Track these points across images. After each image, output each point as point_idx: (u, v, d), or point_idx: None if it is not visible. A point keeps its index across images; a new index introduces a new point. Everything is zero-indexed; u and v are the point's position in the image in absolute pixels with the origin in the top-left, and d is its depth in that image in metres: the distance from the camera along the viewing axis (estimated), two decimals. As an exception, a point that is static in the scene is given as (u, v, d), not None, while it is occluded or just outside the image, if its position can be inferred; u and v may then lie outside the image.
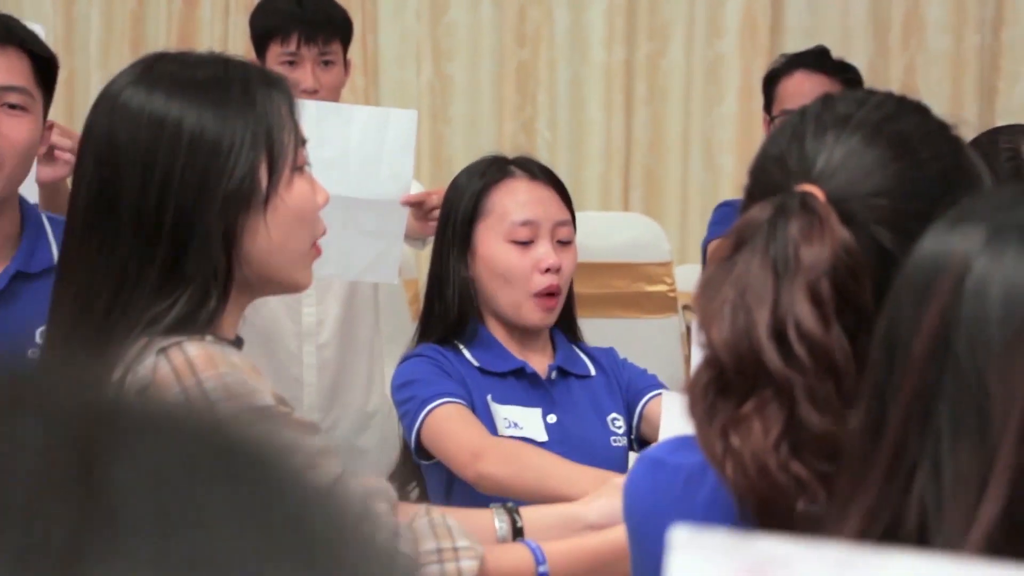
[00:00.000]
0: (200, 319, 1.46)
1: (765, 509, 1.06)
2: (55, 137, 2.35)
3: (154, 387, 1.39)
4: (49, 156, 2.36)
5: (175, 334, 1.44)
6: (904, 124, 1.20)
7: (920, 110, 1.23)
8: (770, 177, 1.19)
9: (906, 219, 1.13)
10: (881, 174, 1.15)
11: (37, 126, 2.21)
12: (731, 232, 1.12)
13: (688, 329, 3.73)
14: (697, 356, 1.75)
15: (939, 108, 4.06)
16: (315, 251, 1.58)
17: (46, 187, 2.44)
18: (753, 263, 1.08)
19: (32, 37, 2.23)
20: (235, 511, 0.37)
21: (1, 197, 2.18)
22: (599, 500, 1.80)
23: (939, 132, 1.21)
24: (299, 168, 1.54)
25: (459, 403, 2.24)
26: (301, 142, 1.55)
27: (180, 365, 1.42)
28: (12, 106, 2.18)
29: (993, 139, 1.94)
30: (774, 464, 1.05)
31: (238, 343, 1.55)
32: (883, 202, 1.14)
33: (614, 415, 2.37)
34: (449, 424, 2.21)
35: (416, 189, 2.78)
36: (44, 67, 2.23)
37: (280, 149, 1.51)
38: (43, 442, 0.36)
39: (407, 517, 1.56)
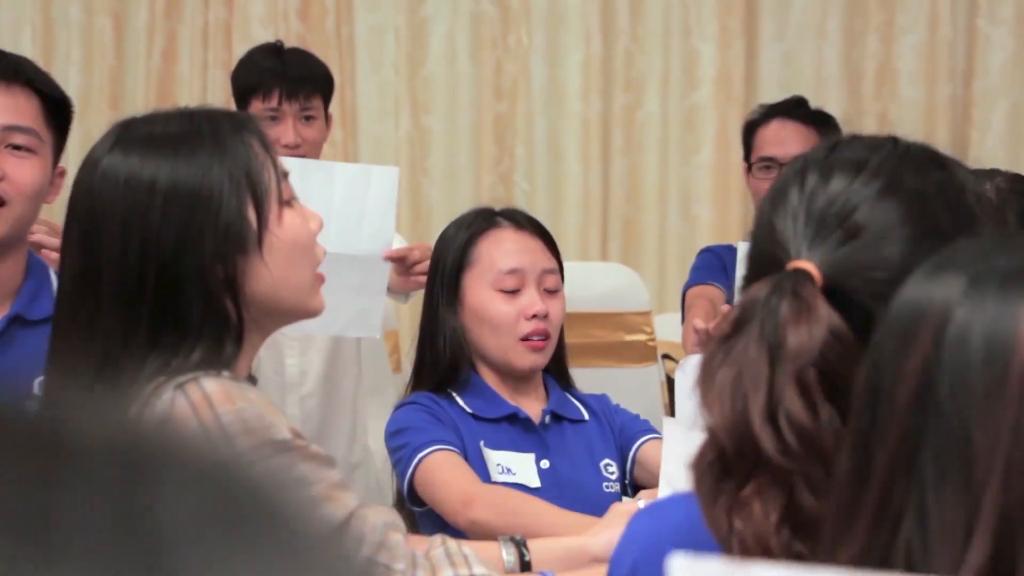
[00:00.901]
0: (220, 363, 1.48)
1: None
2: (42, 236, 2.25)
3: (172, 422, 1.40)
4: (37, 249, 2.26)
5: (192, 371, 1.46)
6: (913, 180, 1.18)
7: (925, 162, 1.21)
8: (770, 241, 1.18)
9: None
10: (883, 243, 1.14)
11: (45, 168, 2.14)
12: (732, 311, 1.13)
13: (668, 378, 3.75)
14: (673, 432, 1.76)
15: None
16: (319, 278, 1.59)
17: None
18: (750, 346, 1.09)
19: (43, 77, 2.17)
20: (272, 562, 0.39)
21: (5, 239, 2.11)
22: (605, 532, 1.82)
23: (948, 187, 1.20)
24: (287, 202, 1.56)
25: (451, 450, 2.25)
26: (283, 175, 1.57)
27: (198, 400, 1.43)
28: (17, 147, 2.10)
29: None
30: (776, 545, 1.07)
31: (252, 381, 1.56)
32: (882, 275, 1.13)
33: (607, 461, 2.38)
34: (440, 472, 2.22)
35: (397, 242, 2.80)
36: (56, 108, 2.16)
37: (263, 187, 1.52)
38: (88, 488, 0.38)
39: (423, 547, 1.58)
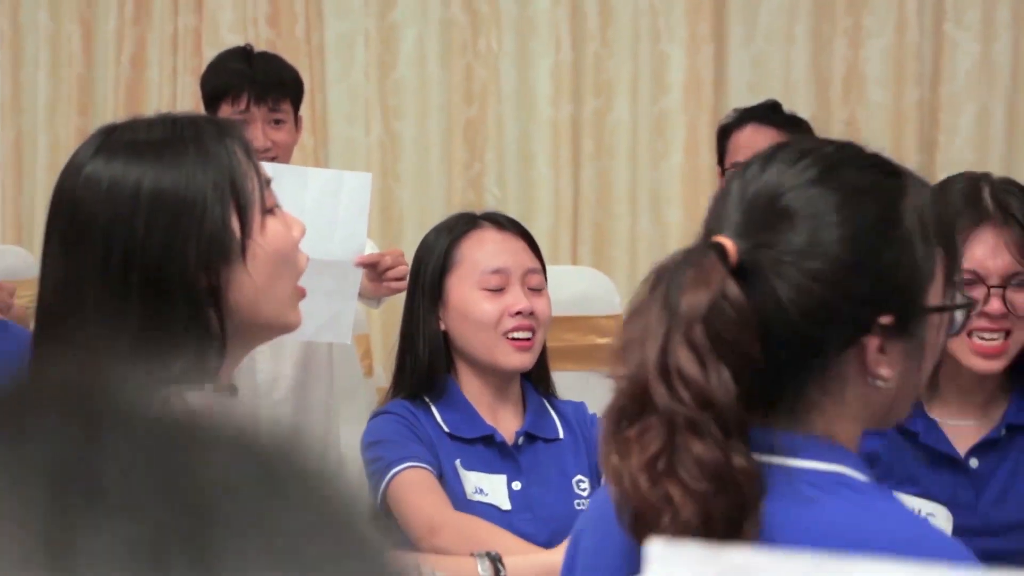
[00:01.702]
0: (203, 375, 1.47)
1: (637, 522, 1.17)
2: None
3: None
4: None
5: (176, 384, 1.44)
6: (846, 176, 1.25)
7: (864, 164, 1.28)
8: (708, 221, 1.28)
9: (810, 279, 1.21)
10: (799, 231, 1.22)
11: None
12: (650, 273, 1.23)
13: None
14: None
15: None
16: (299, 292, 1.59)
17: None
18: (655, 305, 1.19)
19: None
20: (307, 514, 0.41)
21: None
22: None
23: (886, 192, 1.25)
24: (269, 210, 1.54)
25: (424, 468, 2.23)
26: (266, 183, 1.55)
27: None
28: None
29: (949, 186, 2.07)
30: (645, 482, 1.15)
31: (233, 391, 1.55)
32: (790, 259, 1.21)
33: (579, 477, 2.36)
34: (410, 493, 2.21)
35: (369, 248, 2.79)
36: None
37: (246, 196, 1.50)
38: (130, 446, 0.40)
39: None
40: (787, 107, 3.60)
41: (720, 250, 1.20)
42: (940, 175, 4.39)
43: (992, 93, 4.38)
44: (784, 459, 1.22)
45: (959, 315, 1.32)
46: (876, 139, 4.54)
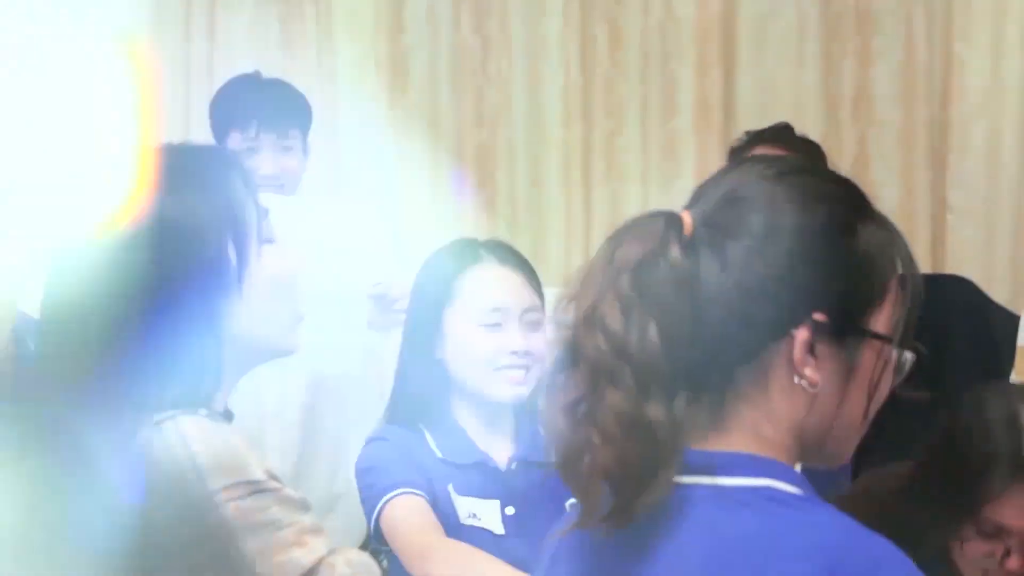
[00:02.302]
0: (197, 400, 1.48)
1: (564, 463, 1.24)
2: None
3: (148, 460, 1.41)
4: None
5: (171, 408, 1.46)
6: (805, 180, 1.29)
7: (830, 178, 1.32)
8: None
9: (755, 259, 1.24)
10: (753, 215, 1.26)
11: None
12: (611, 235, 1.27)
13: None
14: None
15: (891, 180, 4.13)
16: (298, 315, 1.60)
17: None
18: (599, 260, 1.25)
19: None
20: None
21: None
22: None
23: (842, 207, 1.28)
24: (267, 240, 1.56)
25: (417, 494, 2.24)
26: (263, 214, 1.57)
27: (173, 439, 1.43)
28: None
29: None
30: (565, 425, 1.22)
31: (228, 416, 1.56)
32: (741, 240, 1.25)
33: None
34: (403, 520, 2.21)
35: (379, 275, 2.80)
36: None
37: (244, 226, 1.53)
38: None
39: None
40: (797, 128, 3.59)
41: (673, 218, 1.26)
42: (951, 194, 4.41)
43: (1002, 112, 4.37)
44: (715, 478, 1.23)
45: (907, 359, 1.30)
46: (886, 158, 4.54)
